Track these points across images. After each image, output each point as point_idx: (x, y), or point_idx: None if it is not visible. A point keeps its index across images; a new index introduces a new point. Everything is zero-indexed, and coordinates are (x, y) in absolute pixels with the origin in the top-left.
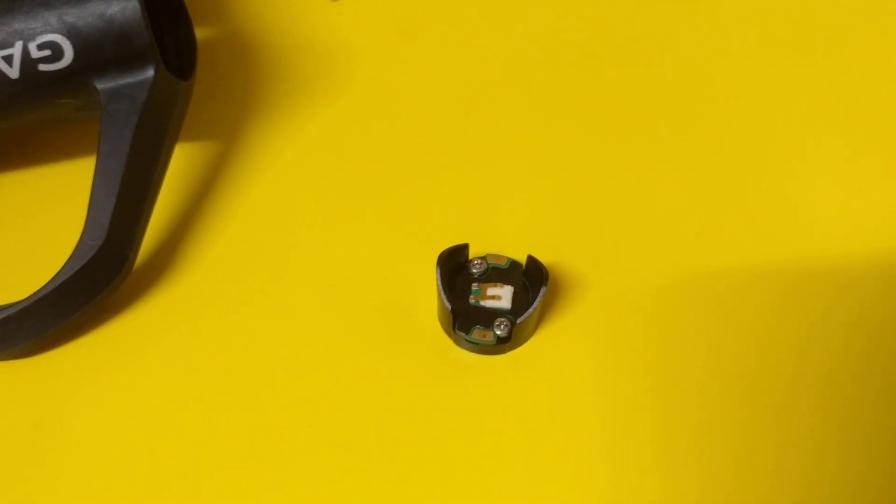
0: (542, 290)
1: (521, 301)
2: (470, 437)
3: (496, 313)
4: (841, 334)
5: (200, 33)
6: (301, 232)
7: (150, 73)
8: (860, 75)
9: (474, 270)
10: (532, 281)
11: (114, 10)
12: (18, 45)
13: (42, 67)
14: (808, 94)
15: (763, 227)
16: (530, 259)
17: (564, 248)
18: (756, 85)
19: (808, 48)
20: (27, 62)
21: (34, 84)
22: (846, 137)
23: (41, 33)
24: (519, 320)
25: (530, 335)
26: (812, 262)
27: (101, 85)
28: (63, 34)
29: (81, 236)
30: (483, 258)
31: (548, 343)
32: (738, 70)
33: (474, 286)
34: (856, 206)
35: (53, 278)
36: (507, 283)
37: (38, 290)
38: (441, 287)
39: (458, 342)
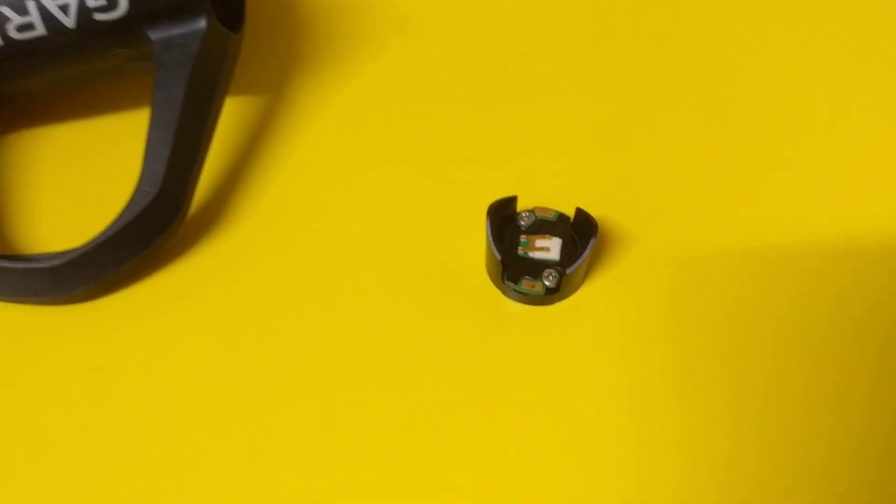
0: (592, 241)
1: (569, 253)
2: (517, 387)
3: (544, 264)
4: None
5: None
6: (348, 185)
7: (203, 23)
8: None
9: (522, 223)
10: (580, 233)
11: None
12: None
13: (97, 17)
14: (850, 70)
15: (807, 192)
16: (579, 211)
17: (611, 203)
18: (801, 54)
19: (862, 19)
20: (83, 11)
21: (90, 33)
22: (882, 115)
23: None
24: (568, 270)
25: (578, 286)
26: (854, 231)
27: (154, 35)
28: None
29: (137, 184)
30: (531, 211)
31: (595, 295)
32: (788, 36)
33: (522, 238)
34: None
35: (111, 225)
36: (555, 236)
37: (96, 237)
38: (490, 238)
39: (506, 293)
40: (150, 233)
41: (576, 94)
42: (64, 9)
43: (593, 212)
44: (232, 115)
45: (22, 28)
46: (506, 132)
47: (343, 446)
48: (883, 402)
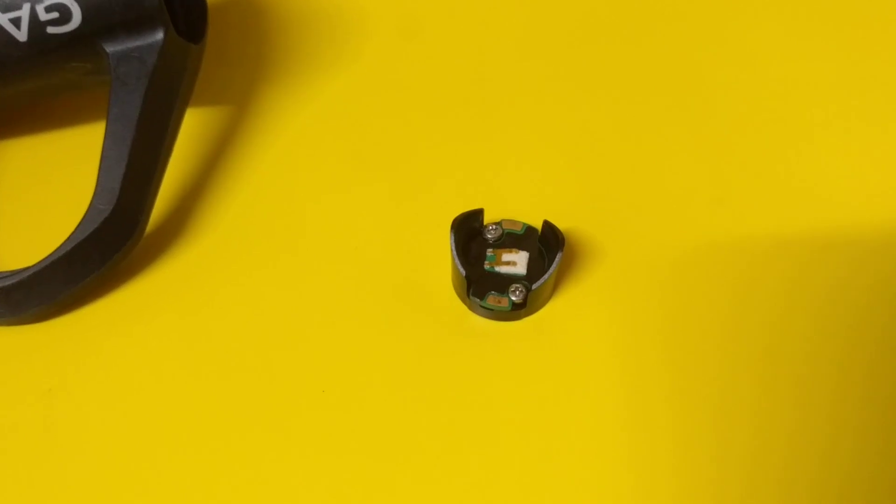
0: (559, 255)
1: (537, 267)
2: (484, 403)
3: (511, 279)
4: (860, 304)
5: None
6: (314, 198)
7: (160, 36)
8: (880, 43)
9: (489, 236)
10: (548, 246)
11: None
12: (26, 7)
13: (50, 30)
14: (828, 62)
15: (780, 196)
16: (546, 224)
17: (580, 214)
18: (776, 53)
19: (828, 16)
20: (35, 24)
21: (43, 47)
22: (866, 105)
23: None
24: (534, 286)
25: (545, 301)
26: (829, 231)
27: (110, 48)
28: None
29: (92, 201)
30: (498, 223)
31: (563, 309)
32: (758, 38)
33: (489, 252)
34: (875, 174)
35: (64, 243)
36: (523, 249)
37: (49, 255)
38: (455, 252)
39: (472, 308)
40: (106, 250)
41: (544, 105)
42: (15, 22)
43: (562, 223)
44: (194, 127)
45: None
46: (474, 144)
47: (308, 465)
48: (874, 400)
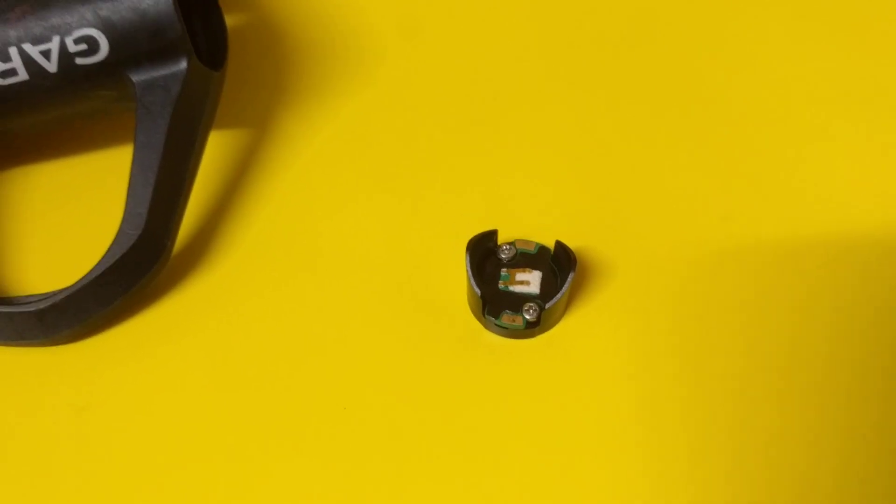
0: (571, 275)
1: (550, 286)
2: (499, 419)
3: (525, 298)
4: (868, 312)
5: (231, 22)
6: (332, 218)
7: (183, 64)
8: (887, 49)
9: (503, 256)
10: (560, 266)
11: (147, 3)
12: (56, 39)
13: (79, 61)
14: (831, 72)
15: (789, 208)
16: (558, 244)
17: (592, 233)
18: (779, 65)
19: (830, 26)
20: (64, 56)
21: (71, 77)
22: (871, 115)
23: (77, 27)
24: (548, 305)
25: (559, 319)
26: (838, 241)
27: (136, 77)
28: (98, 28)
29: (121, 226)
30: (511, 244)
31: (576, 327)
32: (765, 49)
33: (503, 271)
34: (885, 180)
35: (95, 267)
36: (536, 269)
37: (81, 279)
38: (470, 272)
39: (487, 327)
40: (134, 273)
41: (554, 126)
42: (46, 54)
43: (574, 242)
44: (215, 151)
45: (4, 74)
46: (488, 163)
47: (327, 479)
48: (889, 406)
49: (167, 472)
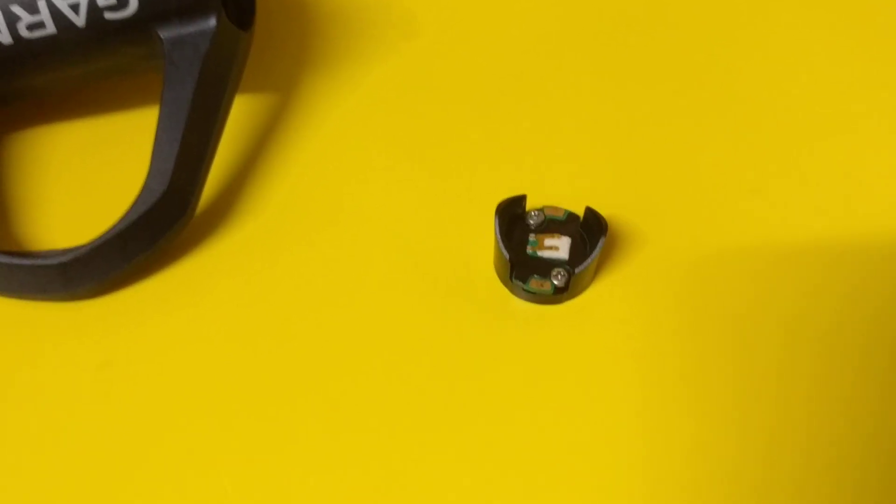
0: (601, 240)
1: (578, 252)
2: (526, 386)
3: (553, 263)
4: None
5: None
6: (358, 184)
7: (212, 22)
8: None
9: (531, 222)
10: (590, 232)
11: None
12: None
13: (108, 16)
14: (864, 64)
15: (818, 191)
16: (589, 210)
17: (620, 202)
18: (814, 53)
19: (871, 18)
20: (93, 10)
21: (100, 32)
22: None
23: None
24: (577, 270)
25: (587, 286)
26: (865, 231)
27: (164, 34)
28: None
29: (146, 181)
30: (540, 210)
31: (604, 294)
32: (797, 38)
33: (531, 237)
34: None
35: (118, 222)
36: (565, 235)
37: (104, 233)
38: (499, 236)
39: (515, 292)
40: (158, 230)
41: (585, 93)
42: (74, 8)
43: (603, 211)
44: (241, 114)
45: (32, 27)
46: (516, 131)
47: (351, 442)
48: (886, 405)
49: (185, 428)
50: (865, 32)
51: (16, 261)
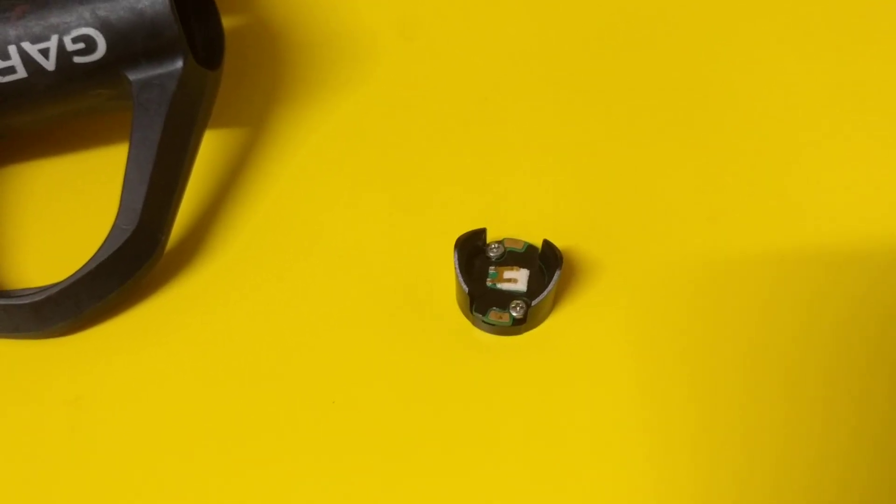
0: (557, 273)
1: (537, 284)
2: (487, 414)
3: (512, 295)
4: (872, 320)
5: (227, 23)
6: (325, 216)
7: (180, 64)
8: (881, 56)
9: (491, 254)
10: (548, 264)
11: (144, 4)
12: (54, 38)
13: (77, 60)
14: (823, 80)
15: (778, 212)
16: (546, 243)
17: (579, 233)
18: (771, 72)
19: (824, 36)
20: (62, 55)
21: (69, 76)
22: (872, 118)
23: (75, 27)
24: (534, 302)
25: (545, 317)
26: (822, 248)
27: (132, 76)
28: (96, 28)
29: (115, 221)
30: (500, 242)
31: (562, 324)
32: (753, 58)
33: (491, 269)
34: (886, 192)
35: (90, 261)
36: (524, 267)
37: (75, 273)
38: (458, 269)
39: (475, 323)
40: (129, 268)
41: (544, 125)
42: (44, 53)
43: (562, 241)
44: (212, 148)
45: (4, 71)
46: (478, 163)
47: (317, 473)
48: (889, 407)
49: (159, 463)
50: (824, 48)
51: None
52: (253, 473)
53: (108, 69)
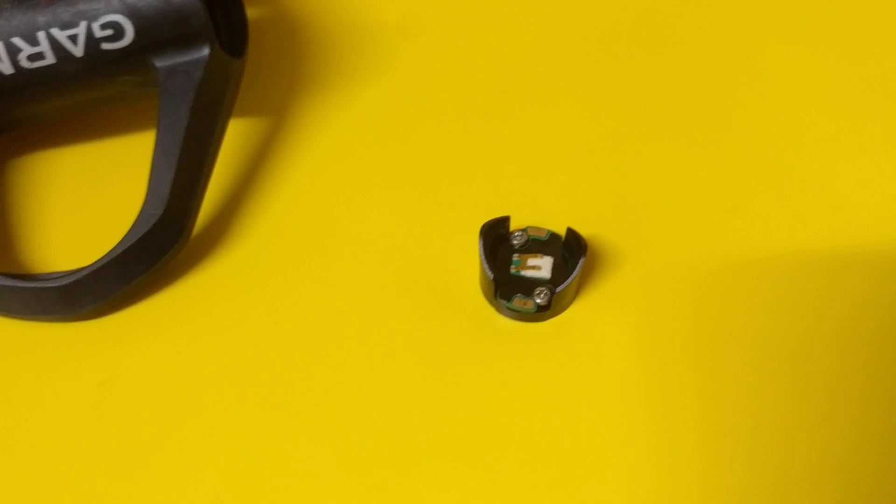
0: (581, 260)
1: (560, 272)
2: (510, 401)
3: (536, 283)
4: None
5: (251, 14)
6: (348, 204)
7: (206, 51)
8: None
9: (515, 242)
10: (571, 252)
11: None
12: (83, 25)
13: (105, 46)
14: (845, 74)
15: (802, 207)
16: (570, 231)
17: (602, 222)
18: (796, 65)
19: (848, 30)
20: (91, 41)
21: (97, 62)
22: (882, 119)
23: (104, 14)
24: (558, 289)
25: (568, 304)
26: (856, 243)
27: (159, 63)
28: (125, 14)
29: (143, 206)
30: (523, 230)
31: (585, 312)
32: (783, 49)
33: (515, 257)
34: (889, 188)
35: (117, 245)
36: (547, 255)
37: (103, 257)
38: (483, 256)
39: (499, 310)
40: (155, 252)
41: (567, 114)
42: (73, 39)
43: (585, 231)
44: (236, 137)
45: (32, 57)
46: (502, 152)
47: (342, 456)
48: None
49: (183, 446)
50: (838, 47)
51: (19, 283)
52: (278, 456)
53: (136, 56)
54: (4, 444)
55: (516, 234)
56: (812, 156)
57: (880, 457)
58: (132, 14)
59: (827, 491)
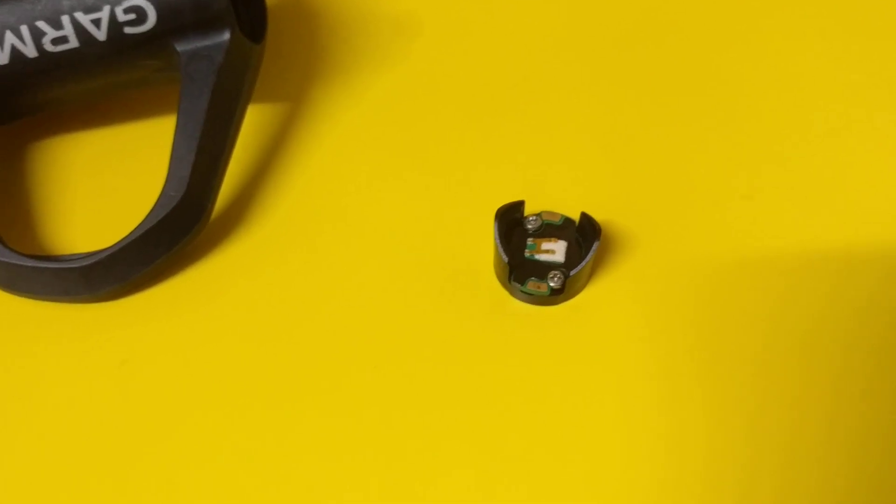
0: (595, 244)
1: (574, 256)
2: (523, 383)
3: (550, 266)
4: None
5: (270, 1)
6: (365, 188)
7: (227, 36)
8: None
9: (529, 226)
10: (585, 237)
11: None
12: (106, 8)
13: (127, 30)
14: (863, 64)
15: (809, 195)
16: (584, 216)
17: (615, 207)
18: (810, 56)
19: (869, 20)
20: (114, 25)
21: (120, 46)
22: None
23: None
24: (572, 272)
25: (582, 288)
26: (856, 235)
27: (181, 47)
28: None
29: (164, 188)
30: (538, 215)
31: (599, 296)
32: (801, 42)
33: (529, 241)
34: None
35: (138, 227)
36: (561, 239)
37: (124, 238)
38: (498, 240)
39: (513, 293)
40: (176, 234)
41: (582, 100)
42: (96, 23)
43: (598, 216)
44: (254, 122)
45: (56, 41)
46: (516, 138)
47: (356, 437)
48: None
49: (203, 426)
50: (856, 37)
51: (41, 264)
52: (297, 434)
53: (158, 40)
54: (31, 422)
55: (531, 218)
56: (826, 145)
57: (884, 448)
58: None
59: (825, 491)
